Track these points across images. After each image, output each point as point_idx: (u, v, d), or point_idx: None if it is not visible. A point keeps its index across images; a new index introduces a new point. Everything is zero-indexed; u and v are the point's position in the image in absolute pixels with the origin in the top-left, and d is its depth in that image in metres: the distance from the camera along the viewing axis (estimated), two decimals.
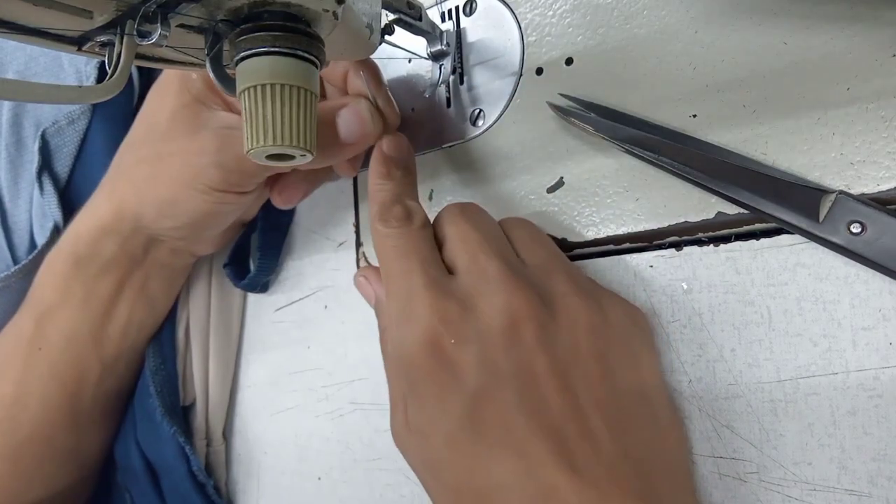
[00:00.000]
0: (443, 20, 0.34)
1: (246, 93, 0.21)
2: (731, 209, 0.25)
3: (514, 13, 0.32)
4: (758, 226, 0.24)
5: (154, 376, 0.41)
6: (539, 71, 0.30)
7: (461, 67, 0.33)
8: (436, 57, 0.33)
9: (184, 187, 0.33)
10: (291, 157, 0.23)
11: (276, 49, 0.21)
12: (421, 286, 0.25)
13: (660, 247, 0.27)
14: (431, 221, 0.28)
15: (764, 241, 0.24)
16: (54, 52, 0.45)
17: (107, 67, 0.20)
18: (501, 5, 0.32)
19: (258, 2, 0.20)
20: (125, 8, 0.19)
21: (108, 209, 0.36)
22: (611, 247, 0.28)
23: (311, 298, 0.40)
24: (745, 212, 0.24)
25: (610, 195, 0.28)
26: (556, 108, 0.29)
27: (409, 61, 0.35)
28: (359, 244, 0.38)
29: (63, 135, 0.45)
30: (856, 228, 0.22)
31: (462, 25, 0.33)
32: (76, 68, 0.45)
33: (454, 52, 0.33)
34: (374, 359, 0.34)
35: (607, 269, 0.28)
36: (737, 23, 0.25)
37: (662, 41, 0.27)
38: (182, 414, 0.42)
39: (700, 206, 0.25)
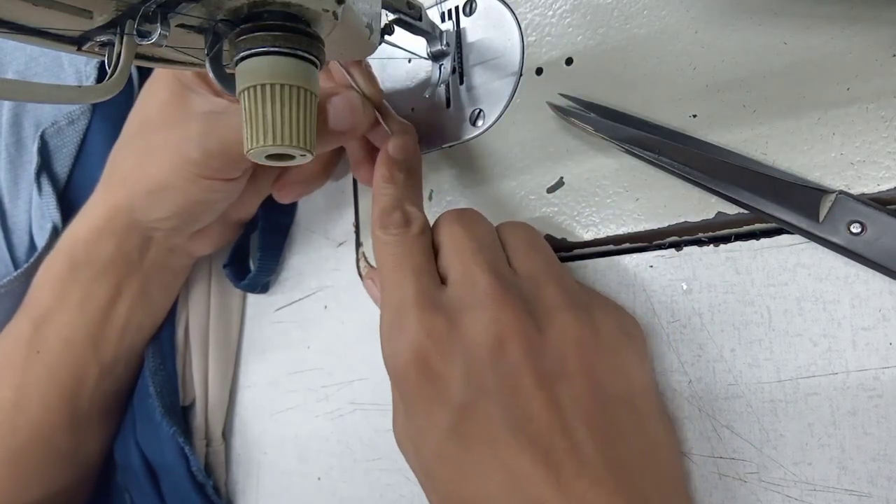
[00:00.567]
0: (443, 20, 0.34)
1: (246, 93, 0.21)
2: (731, 209, 0.25)
3: (514, 13, 0.32)
4: (758, 226, 0.24)
5: (153, 376, 0.41)
6: (539, 71, 0.30)
7: (461, 67, 0.33)
8: (436, 57, 0.33)
9: (171, 175, 0.33)
10: (291, 157, 0.23)
11: (276, 49, 0.21)
12: (411, 298, 0.25)
13: (660, 247, 0.27)
14: (433, 224, 0.28)
15: (764, 241, 0.24)
16: (54, 52, 0.45)
17: (107, 67, 0.20)
18: (501, 5, 0.32)
19: (258, 2, 0.20)
20: (125, 8, 0.19)
21: (103, 209, 0.36)
22: (611, 247, 0.28)
23: (311, 298, 0.40)
24: (745, 212, 0.24)
25: (610, 195, 0.28)
26: (556, 108, 0.29)
27: (409, 61, 0.35)
28: (358, 244, 0.38)
29: (62, 135, 0.45)
30: (856, 228, 0.22)
31: (462, 25, 0.33)
32: (76, 68, 0.45)
33: (454, 52, 0.33)
34: (374, 359, 0.33)
35: (607, 269, 0.28)
36: (737, 23, 0.25)
37: (662, 41, 0.27)
38: (182, 414, 0.42)
39: (700, 206, 0.25)
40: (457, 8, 0.34)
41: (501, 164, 0.32)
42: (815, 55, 0.23)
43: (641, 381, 0.25)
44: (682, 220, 0.26)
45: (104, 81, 0.20)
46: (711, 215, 0.25)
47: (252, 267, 0.41)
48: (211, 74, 0.23)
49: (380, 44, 0.26)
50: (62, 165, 0.45)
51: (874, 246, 0.21)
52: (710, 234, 0.25)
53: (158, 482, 0.41)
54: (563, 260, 0.30)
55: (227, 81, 0.23)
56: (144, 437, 0.41)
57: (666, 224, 0.26)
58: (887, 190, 0.22)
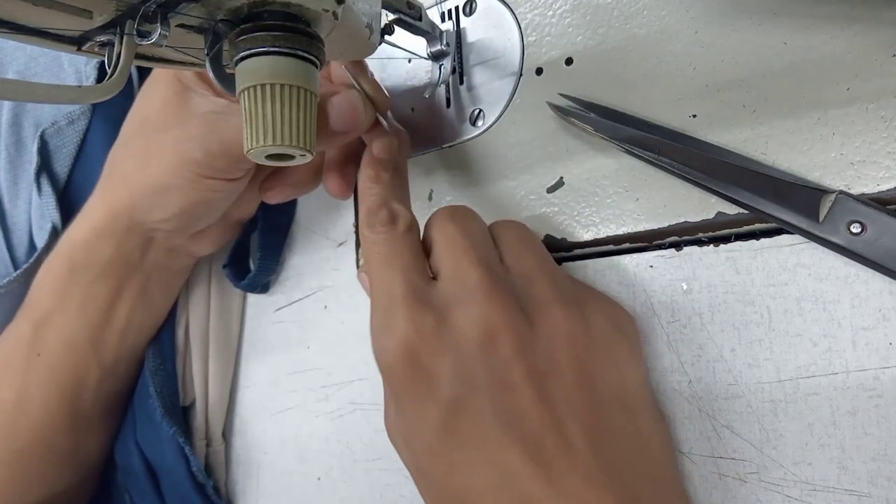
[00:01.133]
0: (443, 20, 0.34)
1: (246, 93, 0.21)
2: (731, 209, 0.25)
3: (513, 13, 0.32)
4: (758, 226, 0.24)
5: (154, 377, 0.41)
6: (539, 71, 0.30)
7: (461, 67, 0.33)
8: (436, 57, 0.33)
9: (172, 175, 0.33)
10: (291, 157, 0.23)
11: (276, 49, 0.21)
12: (400, 296, 0.25)
13: (660, 247, 0.27)
14: (426, 222, 0.28)
15: (764, 241, 0.24)
16: (54, 52, 0.45)
17: (106, 67, 0.20)
18: (501, 5, 0.32)
19: (258, 2, 0.20)
20: (125, 8, 0.19)
21: (103, 210, 0.36)
22: (611, 247, 0.28)
23: (310, 298, 0.40)
24: (745, 212, 0.24)
25: (610, 195, 0.28)
26: (556, 108, 0.29)
27: (409, 61, 0.35)
28: (358, 244, 0.38)
29: (62, 135, 0.45)
30: (856, 228, 0.22)
31: (462, 25, 0.33)
32: (76, 68, 0.45)
33: (454, 52, 0.33)
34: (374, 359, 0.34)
35: (607, 269, 0.28)
36: (737, 23, 0.25)
37: (662, 41, 0.27)
38: (182, 414, 0.42)
39: (700, 206, 0.25)
40: (457, 8, 0.34)
41: (501, 164, 0.32)
42: (815, 55, 0.23)
43: (634, 377, 0.25)
44: (682, 220, 0.26)
45: (104, 81, 0.20)
46: (711, 215, 0.25)
47: (252, 267, 0.41)
48: (211, 74, 0.23)
49: (380, 44, 0.26)
50: (62, 166, 0.45)
51: (874, 246, 0.21)
52: (710, 234, 0.25)
53: (158, 482, 0.41)
54: (562, 260, 0.30)
55: (227, 81, 0.23)
56: (145, 438, 0.41)
57: (666, 224, 0.26)
58: (887, 190, 0.22)
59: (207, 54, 0.22)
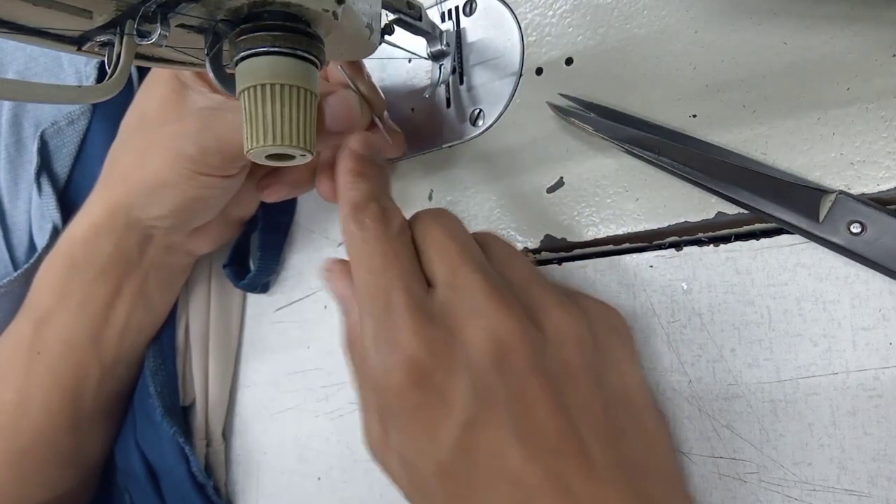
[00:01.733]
0: (443, 20, 0.34)
1: (246, 93, 0.21)
2: (731, 209, 0.25)
3: (514, 13, 0.32)
4: (758, 226, 0.24)
5: (154, 377, 0.41)
6: (539, 71, 0.30)
7: (461, 67, 0.33)
8: (436, 57, 0.33)
9: (168, 171, 0.32)
10: (291, 157, 0.23)
11: (276, 49, 0.21)
12: (402, 308, 0.23)
13: (660, 247, 0.27)
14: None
15: (764, 241, 0.24)
16: (54, 52, 0.45)
17: (106, 67, 0.20)
18: (501, 5, 0.32)
19: (258, 2, 0.20)
20: (125, 8, 0.19)
21: (101, 207, 0.36)
22: (611, 247, 0.28)
23: (310, 298, 0.40)
24: (745, 212, 0.24)
25: (610, 195, 0.28)
26: (556, 108, 0.29)
27: (409, 61, 0.35)
28: None
29: (62, 135, 0.45)
30: (856, 228, 0.22)
31: (462, 25, 0.33)
32: (76, 68, 0.45)
33: (454, 52, 0.33)
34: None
35: (607, 269, 0.28)
36: (737, 23, 0.25)
37: (662, 41, 0.27)
38: (182, 414, 0.42)
39: (700, 206, 0.25)
40: (457, 8, 0.34)
41: (501, 164, 0.32)
42: (815, 55, 0.23)
43: (634, 377, 0.25)
44: (682, 220, 0.26)
45: (104, 81, 0.20)
46: (711, 215, 0.25)
47: (252, 267, 0.41)
48: (211, 74, 0.23)
49: (380, 44, 0.26)
50: (62, 165, 0.45)
51: (874, 246, 0.21)
52: (710, 234, 0.25)
53: (158, 483, 0.41)
54: (562, 260, 0.30)
55: (227, 81, 0.23)
56: (145, 438, 0.41)
57: (666, 224, 0.26)
58: (887, 190, 0.22)
59: (207, 54, 0.22)
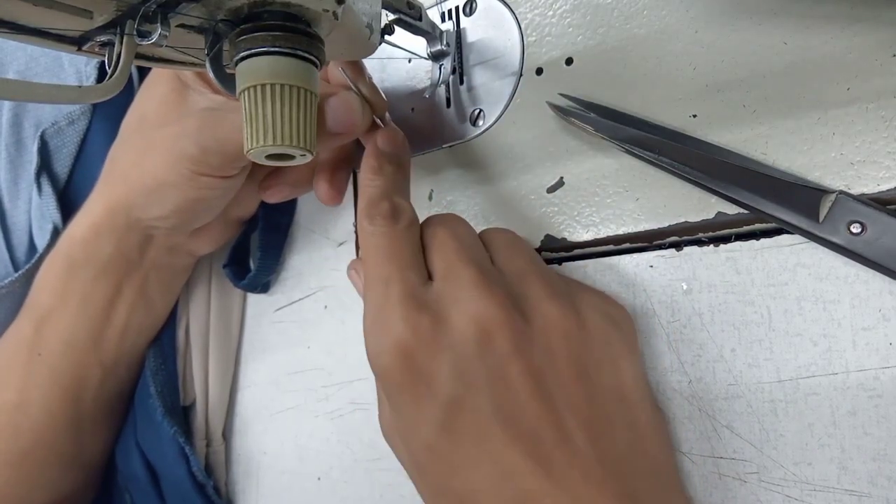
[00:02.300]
0: (443, 20, 0.34)
1: (246, 93, 0.21)
2: (731, 209, 0.25)
3: (514, 13, 0.32)
4: (758, 226, 0.24)
5: (155, 377, 0.41)
6: (539, 71, 0.30)
7: (461, 67, 0.33)
8: (436, 57, 0.33)
9: (168, 171, 0.32)
10: (291, 157, 0.23)
11: (276, 49, 0.21)
12: (396, 296, 0.25)
13: (660, 247, 0.27)
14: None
15: (764, 241, 0.24)
16: (55, 53, 0.45)
17: (107, 67, 0.20)
18: (501, 5, 0.32)
19: (258, 2, 0.20)
20: (125, 8, 0.19)
21: (102, 207, 0.36)
22: (611, 247, 0.28)
23: (311, 298, 0.40)
24: (745, 212, 0.24)
25: (610, 195, 0.28)
26: (556, 108, 0.29)
27: (409, 61, 0.35)
28: (358, 244, 0.38)
29: (63, 135, 0.45)
30: (856, 228, 0.22)
31: (462, 25, 0.33)
32: (76, 68, 0.45)
33: (454, 52, 0.33)
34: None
35: (607, 269, 0.28)
36: (737, 23, 0.25)
37: (662, 41, 0.27)
38: (182, 414, 0.42)
39: (700, 206, 0.25)
40: (457, 8, 0.34)
41: (501, 164, 0.32)
42: (815, 55, 0.23)
43: (630, 371, 0.25)
44: (682, 220, 0.26)
45: (104, 81, 0.20)
46: (711, 215, 0.25)
47: (252, 267, 0.41)
48: (211, 75, 0.23)
49: (380, 44, 0.26)
50: (62, 166, 0.45)
51: (874, 246, 0.21)
52: (710, 234, 0.25)
53: (159, 483, 0.41)
54: (562, 260, 0.30)
55: (228, 81, 0.23)
56: (145, 438, 0.41)
57: (666, 224, 0.26)
58: (887, 190, 0.22)
59: (207, 54, 0.22)
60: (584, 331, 0.25)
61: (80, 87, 0.20)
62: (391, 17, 0.29)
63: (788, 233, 0.24)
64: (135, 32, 0.20)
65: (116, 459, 0.43)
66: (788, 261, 0.24)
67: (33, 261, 0.42)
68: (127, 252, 0.37)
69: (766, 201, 0.23)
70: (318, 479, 0.39)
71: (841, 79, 0.23)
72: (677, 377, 0.26)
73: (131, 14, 0.19)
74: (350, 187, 0.39)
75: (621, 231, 0.27)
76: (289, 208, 0.42)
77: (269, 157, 0.22)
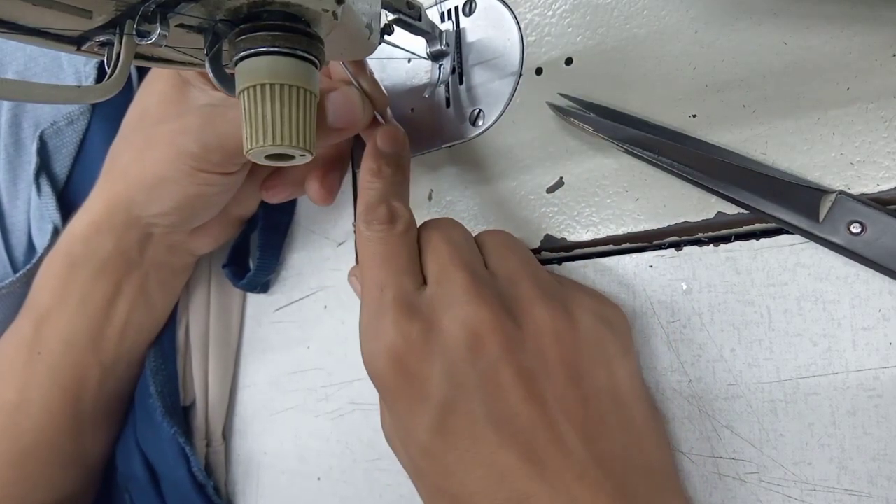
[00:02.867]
0: (442, 20, 0.34)
1: (245, 93, 0.21)
2: (731, 209, 0.25)
3: (513, 13, 0.32)
4: (758, 226, 0.24)
5: (155, 377, 0.41)
6: (539, 71, 0.30)
7: (460, 67, 0.33)
8: (435, 57, 0.33)
9: (168, 168, 0.32)
10: (291, 157, 0.23)
11: (276, 49, 0.21)
12: (389, 301, 0.25)
13: (660, 247, 0.27)
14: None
15: (764, 241, 0.24)
16: (54, 53, 0.45)
17: (106, 67, 0.20)
18: (501, 5, 0.32)
19: (258, 2, 0.20)
20: (124, 8, 0.19)
21: (102, 204, 0.36)
22: (611, 247, 0.28)
23: (310, 298, 0.40)
24: (745, 212, 0.24)
25: (610, 195, 0.28)
26: (556, 108, 0.29)
27: (409, 61, 0.35)
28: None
29: (62, 135, 0.45)
30: (856, 228, 0.22)
31: (461, 25, 0.33)
32: (76, 68, 0.45)
33: (454, 52, 0.33)
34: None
35: (607, 269, 0.28)
36: (737, 23, 0.25)
37: (662, 41, 0.27)
38: (182, 414, 0.42)
39: (700, 206, 0.25)
40: (456, 8, 0.34)
41: (501, 164, 0.32)
42: (815, 55, 0.23)
43: (624, 371, 0.25)
44: (682, 220, 0.26)
45: (104, 81, 0.20)
46: (711, 215, 0.25)
47: (252, 266, 0.41)
48: (211, 74, 0.23)
49: (379, 44, 0.26)
50: (61, 166, 0.45)
51: (874, 246, 0.21)
52: (710, 234, 0.25)
53: (159, 483, 0.41)
54: (562, 260, 0.30)
55: (227, 81, 0.23)
56: (145, 438, 0.41)
57: (666, 224, 0.26)
58: (887, 190, 0.22)
59: (207, 54, 0.22)
60: (576, 332, 0.25)
61: (79, 87, 0.20)
62: (391, 17, 0.29)
63: (788, 233, 0.24)
64: (134, 32, 0.20)
65: (116, 459, 0.43)
66: (788, 261, 0.24)
67: (34, 261, 0.42)
68: (126, 250, 0.37)
69: (765, 201, 0.23)
70: (318, 479, 0.39)
71: (841, 79, 0.23)
72: (677, 377, 0.26)
73: (130, 14, 0.19)
74: (350, 188, 0.39)
75: (621, 231, 0.27)
76: (288, 208, 0.42)
77: (269, 157, 0.22)
